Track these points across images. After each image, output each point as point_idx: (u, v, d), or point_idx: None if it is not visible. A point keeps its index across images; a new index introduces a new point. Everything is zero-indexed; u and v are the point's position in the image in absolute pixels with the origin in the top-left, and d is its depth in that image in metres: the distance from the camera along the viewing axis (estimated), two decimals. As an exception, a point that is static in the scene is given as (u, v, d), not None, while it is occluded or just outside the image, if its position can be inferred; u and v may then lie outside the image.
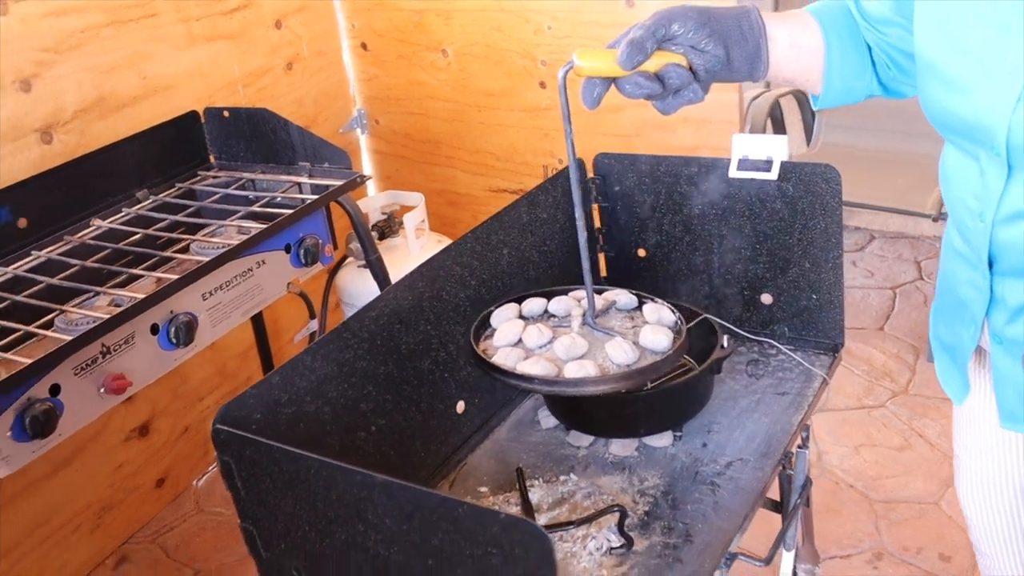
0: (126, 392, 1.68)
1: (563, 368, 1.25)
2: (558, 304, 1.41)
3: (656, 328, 1.31)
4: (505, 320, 1.38)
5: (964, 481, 1.39)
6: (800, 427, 1.44)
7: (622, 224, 1.75)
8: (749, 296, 1.67)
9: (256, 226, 1.92)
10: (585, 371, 1.23)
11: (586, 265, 1.27)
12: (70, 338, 1.57)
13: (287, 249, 2.01)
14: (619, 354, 1.26)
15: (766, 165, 1.55)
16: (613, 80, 1.11)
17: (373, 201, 2.61)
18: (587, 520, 1.27)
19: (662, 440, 1.46)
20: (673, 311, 1.36)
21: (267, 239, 1.91)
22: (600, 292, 1.43)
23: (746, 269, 1.65)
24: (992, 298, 1.16)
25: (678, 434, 1.47)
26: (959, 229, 1.19)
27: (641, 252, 1.75)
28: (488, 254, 1.53)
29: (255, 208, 2.03)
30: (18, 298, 1.76)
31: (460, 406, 1.51)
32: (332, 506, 1.00)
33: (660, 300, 1.38)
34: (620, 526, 1.26)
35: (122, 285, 1.83)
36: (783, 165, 1.53)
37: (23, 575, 2.22)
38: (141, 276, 1.80)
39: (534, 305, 1.42)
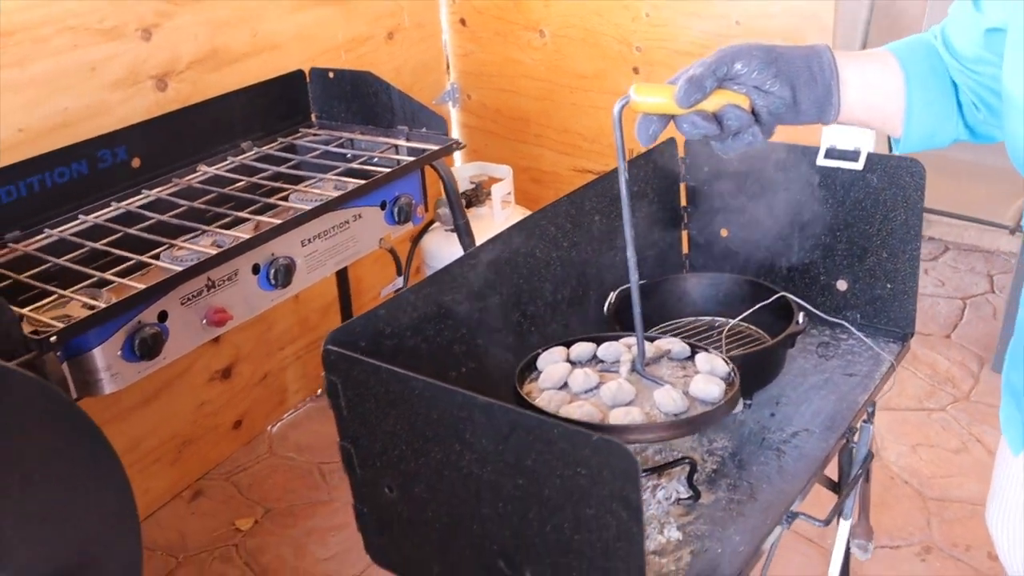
0: (226, 325, 1.79)
1: (608, 414, 1.21)
2: (607, 350, 1.36)
3: (708, 378, 1.27)
4: (551, 363, 1.35)
5: (995, 508, 1.34)
6: (866, 404, 1.50)
7: (707, 204, 1.82)
8: (825, 282, 1.72)
9: (354, 182, 2.02)
10: (631, 418, 1.19)
11: (637, 310, 1.24)
12: (180, 268, 1.69)
13: (382, 206, 2.10)
14: (667, 402, 1.22)
15: (853, 155, 1.60)
16: (671, 117, 1.07)
17: (462, 171, 2.70)
18: (658, 469, 1.35)
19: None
20: (727, 362, 1.30)
21: (365, 194, 2.01)
22: (652, 340, 1.40)
23: (824, 255, 1.71)
24: None
25: (748, 402, 1.53)
26: None
27: (724, 232, 1.82)
28: (581, 218, 1.61)
29: (353, 165, 2.13)
30: (131, 231, 1.89)
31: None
32: (431, 426, 1.09)
33: (713, 350, 1.35)
34: (689, 478, 1.34)
35: (226, 227, 1.94)
36: (869, 156, 1.59)
37: (108, 495, 2.36)
38: (245, 220, 1.91)
39: (582, 350, 1.38)
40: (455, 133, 3.33)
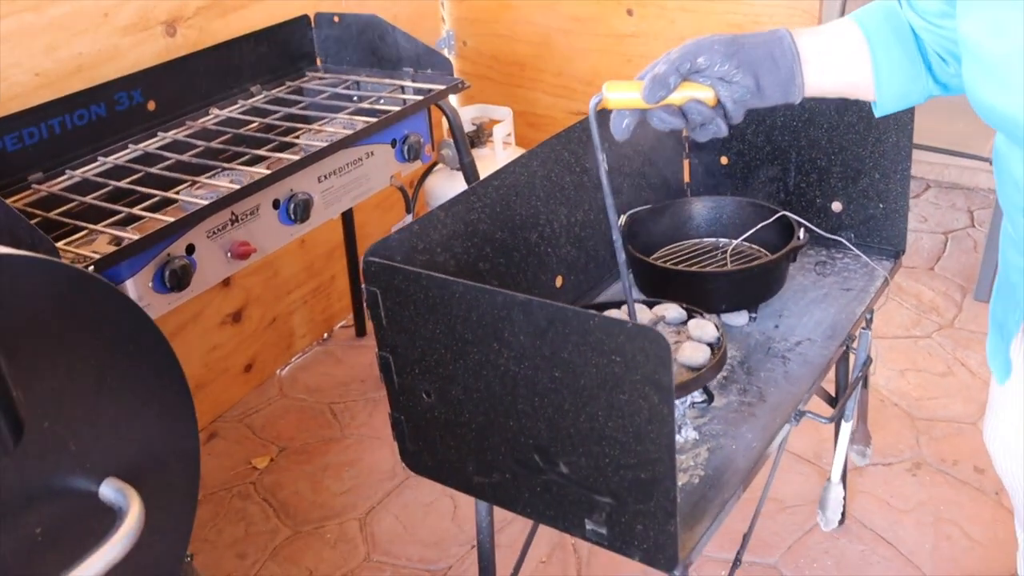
0: (250, 258, 1.86)
1: None
2: (615, 315, 1.38)
3: (695, 345, 1.37)
4: None
5: (991, 426, 1.40)
6: (864, 313, 1.60)
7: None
8: (821, 204, 1.81)
9: (365, 120, 2.08)
10: None
11: (627, 287, 1.30)
12: (206, 203, 1.75)
13: (392, 144, 2.17)
14: None
15: (849, 80, 1.68)
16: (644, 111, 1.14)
17: (464, 113, 2.77)
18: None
19: (738, 319, 1.62)
20: (718, 327, 1.40)
21: (376, 132, 2.08)
22: (651, 306, 1.49)
23: (820, 178, 1.79)
24: None
25: (753, 315, 1.63)
26: (1008, 217, 1.18)
27: (724, 160, 1.90)
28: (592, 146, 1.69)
29: (362, 106, 2.20)
30: (151, 170, 1.95)
31: (559, 280, 1.67)
32: (471, 327, 1.17)
33: (707, 316, 1.43)
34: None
35: (245, 165, 1.99)
36: (865, 80, 1.67)
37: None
38: (263, 158, 1.97)
39: None
40: (451, 80, 3.38)
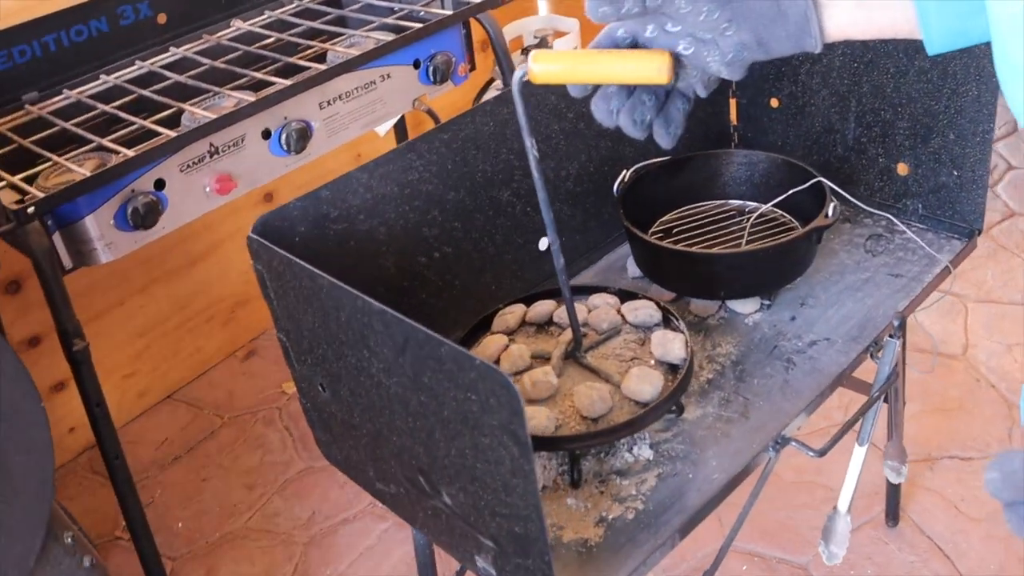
0: (231, 193, 1.70)
1: None
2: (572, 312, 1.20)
3: (644, 373, 1.11)
4: (502, 327, 1.24)
5: None
6: (906, 312, 1.30)
7: (757, 68, 1.59)
8: (884, 164, 1.50)
9: (376, 40, 1.87)
10: (532, 424, 1.05)
11: (567, 294, 1.09)
12: (175, 134, 1.59)
13: (416, 64, 1.95)
14: (587, 403, 1.08)
15: (918, 15, 1.35)
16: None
17: (528, 23, 2.49)
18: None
19: (747, 306, 1.35)
20: (686, 345, 1.14)
21: (393, 52, 1.85)
22: (625, 299, 1.24)
23: (884, 133, 1.47)
24: None
25: (766, 302, 1.36)
26: None
27: (774, 102, 1.60)
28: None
29: (389, 20, 1.97)
30: (145, 92, 1.80)
31: (543, 243, 1.44)
32: (342, 328, 0.98)
33: (681, 327, 1.18)
34: (671, 391, 1.19)
35: (253, 88, 1.82)
36: (937, 17, 1.33)
37: (160, 352, 2.37)
38: (270, 83, 1.78)
39: (542, 310, 1.24)
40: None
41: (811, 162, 1.54)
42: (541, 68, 0.89)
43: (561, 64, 0.88)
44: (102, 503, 2.09)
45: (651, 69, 0.83)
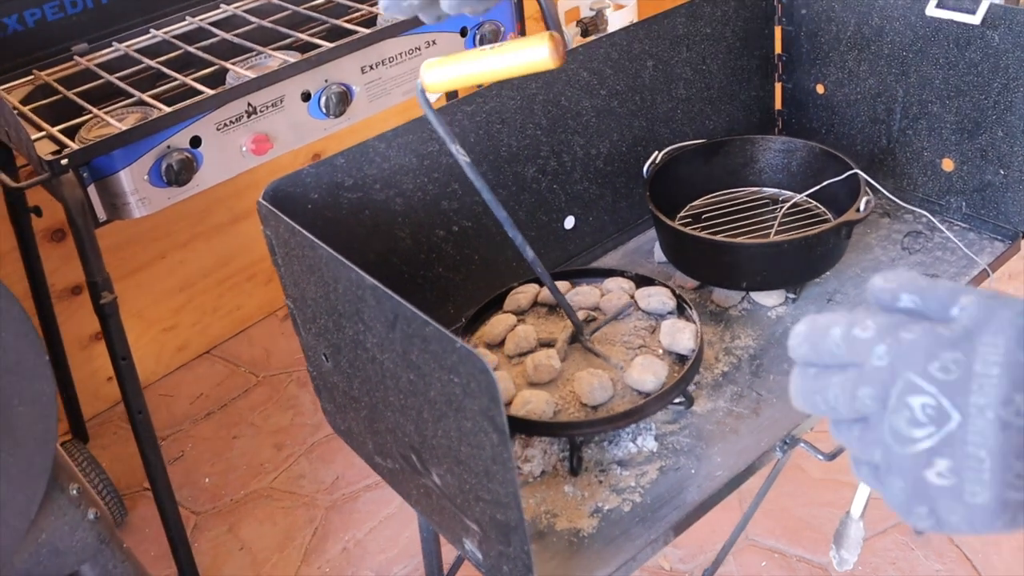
0: (267, 154, 1.70)
1: (517, 393, 1.07)
2: (584, 294, 1.21)
3: (650, 362, 1.09)
4: (513, 306, 1.22)
5: None
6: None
7: (803, 53, 1.54)
8: (929, 159, 1.44)
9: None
10: (528, 408, 1.04)
11: (550, 283, 1.09)
12: (213, 92, 1.60)
13: (463, 32, 1.92)
14: (587, 390, 1.06)
15: (971, 5, 1.29)
16: None
17: (585, -5, 2.45)
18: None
19: (771, 299, 1.32)
20: (696, 335, 1.10)
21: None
22: (641, 284, 1.21)
23: (930, 126, 1.42)
24: None
25: (792, 296, 1.32)
26: None
27: (820, 88, 1.54)
28: (627, 63, 1.39)
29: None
30: (191, 49, 1.81)
31: (569, 221, 1.42)
32: (340, 300, 0.97)
33: (694, 316, 1.14)
34: (682, 381, 1.16)
35: (300, 50, 1.81)
36: (991, 8, 1.27)
37: (200, 307, 2.40)
38: (316, 45, 1.77)
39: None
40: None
41: (854, 152, 1.50)
42: (433, 76, 0.90)
43: (451, 68, 0.90)
44: (134, 453, 2.13)
45: (538, 56, 0.84)
